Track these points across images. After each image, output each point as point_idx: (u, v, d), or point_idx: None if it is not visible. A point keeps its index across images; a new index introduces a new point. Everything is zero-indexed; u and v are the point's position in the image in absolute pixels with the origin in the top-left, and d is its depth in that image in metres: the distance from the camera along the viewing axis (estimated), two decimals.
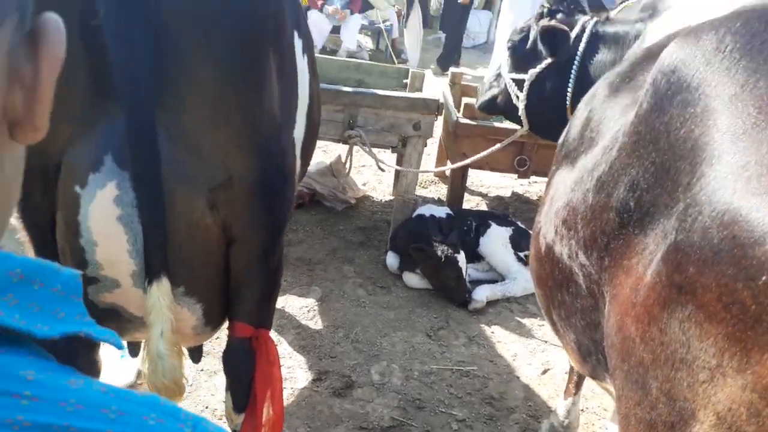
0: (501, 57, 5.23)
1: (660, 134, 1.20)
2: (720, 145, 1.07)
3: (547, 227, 1.52)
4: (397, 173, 4.70)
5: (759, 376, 0.89)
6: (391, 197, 4.91)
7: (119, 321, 1.54)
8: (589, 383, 2.45)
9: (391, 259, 3.72)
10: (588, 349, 1.45)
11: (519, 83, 2.84)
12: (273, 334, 2.96)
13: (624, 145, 1.30)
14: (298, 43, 1.76)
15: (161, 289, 1.38)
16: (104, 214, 1.35)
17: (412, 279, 3.60)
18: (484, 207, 4.88)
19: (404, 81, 4.57)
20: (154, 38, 1.25)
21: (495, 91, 3.07)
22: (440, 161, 5.07)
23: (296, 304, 3.30)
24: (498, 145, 3.13)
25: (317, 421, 2.51)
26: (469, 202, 4.81)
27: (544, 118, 2.84)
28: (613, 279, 1.25)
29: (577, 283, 1.40)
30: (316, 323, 3.22)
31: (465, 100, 4.02)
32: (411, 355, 3.01)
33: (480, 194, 5.18)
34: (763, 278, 0.89)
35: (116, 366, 2.50)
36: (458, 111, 4.07)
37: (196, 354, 2.06)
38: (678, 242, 1.06)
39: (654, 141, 1.22)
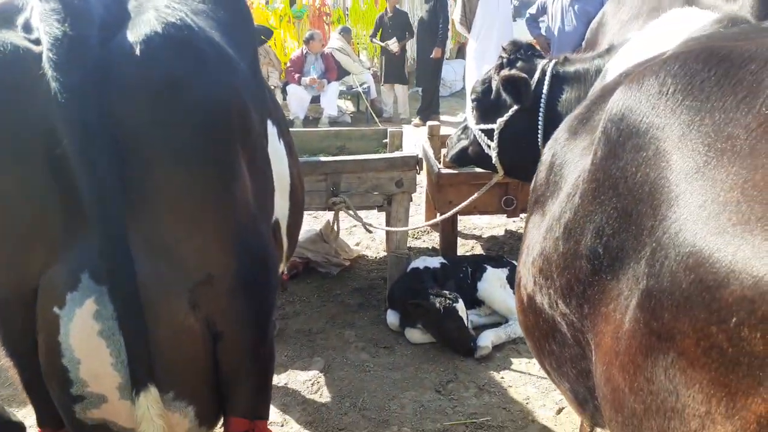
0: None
1: (618, 180, 1.22)
2: (676, 186, 1.08)
3: (526, 277, 1.52)
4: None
5: (746, 422, 0.87)
6: (386, 253, 4.91)
7: None
8: None
9: (391, 317, 3.69)
10: (584, 397, 1.42)
11: (488, 132, 2.89)
12: (277, 414, 2.93)
13: (585, 192, 1.32)
14: (272, 130, 1.79)
15: (149, 398, 1.37)
16: (85, 331, 1.35)
17: (415, 335, 3.56)
18: (479, 250, 4.89)
19: (384, 141, 4.66)
20: (118, 154, 1.28)
21: (464, 143, 3.12)
22: (429, 211, 5.09)
23: (299, 378, 3.25)
24: (477, 194, 3.17)
25: None
26: (464, 247, 4.81)
27: (519, 162, 2.88)
28: (595, 327, 1.24)
29: (562, 332, 1.38)
30: (321, 395, 3.16)
31: (444, 150, 4.08)
32: (422, 415, 2.95)
33: (474, 237, 5.19)
34: (734, 320, 0.89)
35: None
36: (439, 162, 4.13)
37: None
38: (650, 288, 1.06)
39: (613, 187, 1.23)
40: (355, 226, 5.45)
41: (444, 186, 4.02)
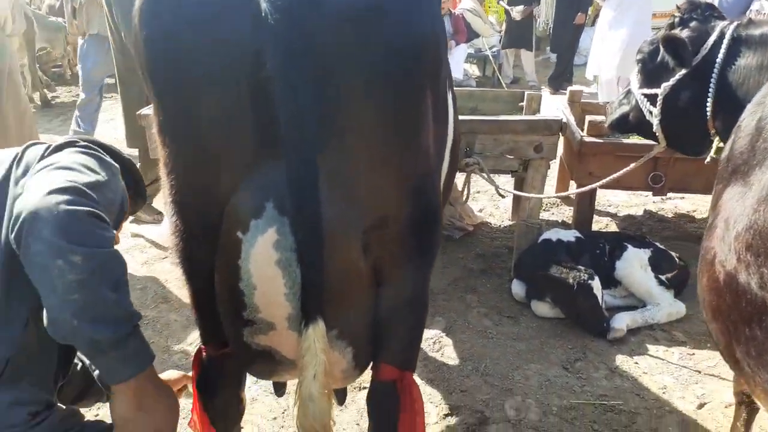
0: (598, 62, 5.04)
1: None
2: None
3: (725, 254, 1.37)
4: (517, 197, 4.58)
5: None
6: (510, 222, 4.78)
7: (271, 363, 1.57)
8: (761, 420, 2.18)
9: (517, 288, 3.58)
10: None
11: (651, 98, 2.66)
12: None
13: None
14: (445, 78, 1.73)
15: (317, 332, 1.38)
16: (264, 259, 1.37)
17: (541, 308, 3.44)
18: (613, 228, 4.61)
19: (520, 104, 4.46)
20: (318, 82, 1.25)
21: (625, 108, 2.89)
22: (561, 182, 4.87)
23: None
24: (634, 165, 2.94)
25: None
26: (597, 224, 4.56)
27: (683, 132, 2.64)
28: None
29: None
30: (442, 355, 3.16)
31: (589, 117, 3.84)
32: (547, 389, 2.86)
33: (608, 214, 4.90)
34: None
35: None
36: (581, 130, 3.89)
37: (341, 395, 2.07)
38: None
39: None
40: (479, 192, 5.35)
41: (586, 155, 3.79)
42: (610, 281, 3.47)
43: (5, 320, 1.38)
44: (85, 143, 1.56)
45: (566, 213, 4.93)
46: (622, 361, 3.07)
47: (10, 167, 1.45)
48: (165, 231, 4.35)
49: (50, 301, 1.24)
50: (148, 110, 3.73)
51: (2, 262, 1.35)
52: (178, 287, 3.85)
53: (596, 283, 3.22)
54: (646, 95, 2.69)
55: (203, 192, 1.42)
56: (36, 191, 1.28)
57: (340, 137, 1.31)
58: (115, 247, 1.38)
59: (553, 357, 3.10)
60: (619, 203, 5.19)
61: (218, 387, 1.79)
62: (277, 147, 1.28)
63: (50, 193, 1.26)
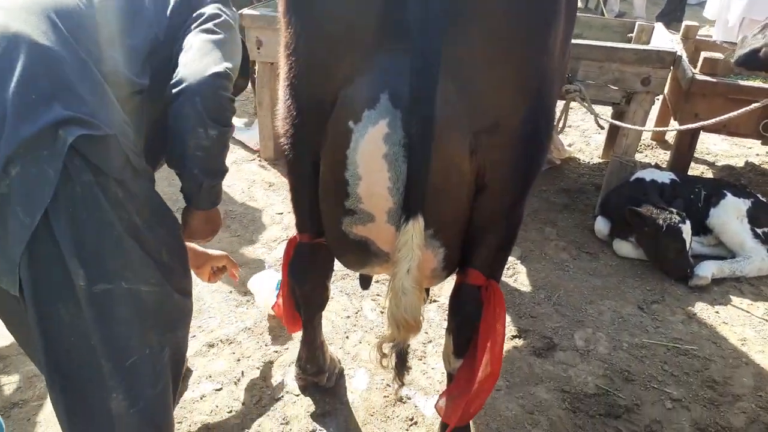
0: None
1: None
2: None
3: None
4: (612, 133, 4.39)
5: None
6: (599, 160, 4.62)
7: (365, 254, 1.63)
8: None
9: (601, 225, 3.51)
10: None
11: None
12: None
13: None
14: None
15: (416, 228, 1.40)
16: (372, 150, 1.39)
17: (624, 247, 3.36)
18: (710, 176, 4.37)
19: (629, 35, 4.19)
20: None
21: (759, 43, 2.65)
22: (660, 123, 4.60)
23: None
24: (752, 106, 2.73)
25: (516, 377, 2.50)
26: (692, 171, 4.33)
27: None
28: None
29: None
30: (515, 281, 3.18)
31: (704, 54, 3.56)
32: (620, 326, 2.84)
33: (705, 163, 4.64)
34: None
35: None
36: (694, 68, 3.63)
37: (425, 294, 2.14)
38: None
39: None
40: (570, 126, 5.16)
41: (694, 95, 3.54)
42: (700, 228, 3.33)
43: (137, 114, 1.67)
44: (231, 13, 1.83)
45: (660, 156, 4.70)
46: (702, 308, 2.99)
47: None
48: (254, 135, 4.50)
49: (177, 148, 1.63)
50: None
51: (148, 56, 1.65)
52: (264, 188, 4.02)
53: (687, 228, 3.10)
54: None
55: (321, 76, 1.44)
56: (201, 65, 1.61)
57: (463, 30, 1.28)
58: None
59: (629, 296, 3.06)
60: (718, 152, 4.88)
61: (308, 274, 1.90)
62: (400, 38, 1.27)
63: (211, 75, 1.60)
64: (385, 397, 2.31)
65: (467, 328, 1.67)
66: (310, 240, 1.83)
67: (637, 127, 3.13)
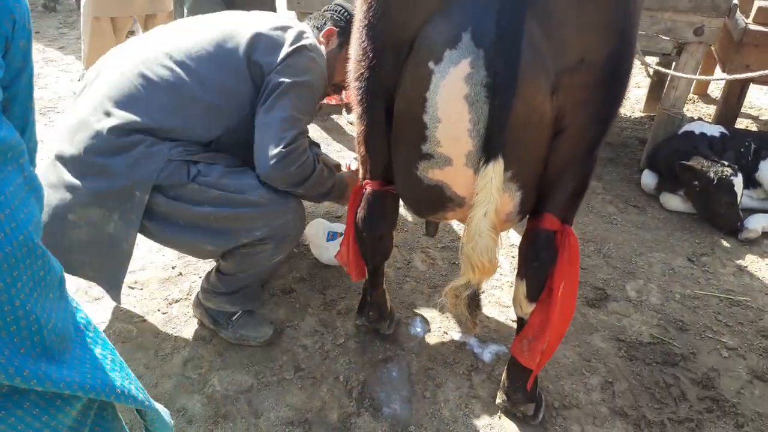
0: None
1: None
2: None
3: None
4: (654, 87, 4.30)
5: None
6: (641, 114, 4.54)
7: (440, 199, 1.63)
8: None
9: (648, 178, 3.47)
10: None
11: None
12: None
13: None
14: None
15: (496, 170, 1.40)
16: (453, 91, 1.38)
17: (672, 201, 3.33)
18: (756, 130, 4.28)
19: None
20: None
21: None
22: (705, 74, 4.49)
23: None
24: None
25: (571, 326, 2.51)
26: (738, 125, 4.24)
27: None
28: None
29: None
30: None
31: (759, 3, 3.44)
32: (671, 278, 2.84)
33: (749, 117, 4.54)
34: None
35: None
36: (746, 17, 3.51)
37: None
38: None
39: None
40: None
41: (746, 45, 3.45)
42: (750, 181, 3.28)
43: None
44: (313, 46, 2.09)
45: (703, 110, 4.60)
46: (753, 261, 2.98)
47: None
48: None
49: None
50: None
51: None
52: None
53: (738, 180, 3.06)
54: None
55: (401, 14, 1.42)
56: (261, 153, 1.95)
57: None
58: None
59: (678, 248, 3.06)
60: (762, 106, 4.77)
61: (378, 222, 1.91)
62: None
63: (272, 165, 1.94)
64: (444, 343, 2.36)
65: (543, 273, 1.68)
66: (381, 187, 1.84)
67: (690, 76, 3.06)
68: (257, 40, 1.98)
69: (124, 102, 1.87)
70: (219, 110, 1.96)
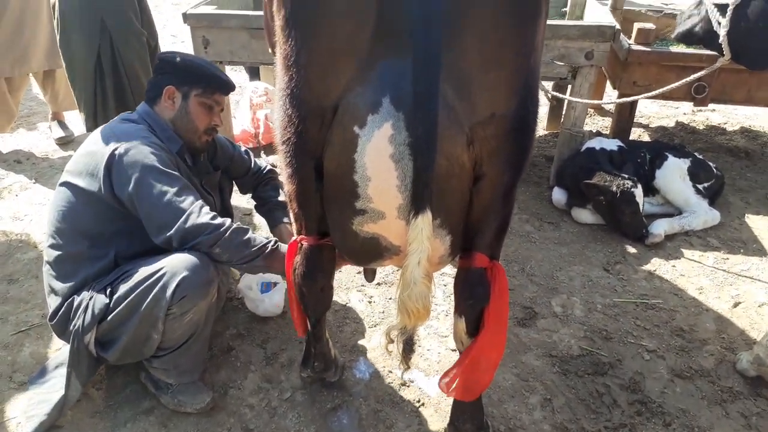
0: None
1: None
2: None
3: None
4: (557, 106, 4.59)
5: None
6: (545, 132, 4.82)
7: (376, 249, 1.69)
8: None
9: (558, 195, 3.70)
10: None
11: (722, 9, 2.64)
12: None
13: None
14: None
15: (425, 221, 1.47)
16: (379, 152, 1.46)
17: (583, 214, 3.57)
18: (646, 139, 4.66)
19: (563, 10, 4.38)
20: None
21: (695, 19, 2.87)
22: (597, 92, 4.85)
23: None
24: (696, 75, 2.93)
25: (507, 348, 2.62)
26: (631, 135, 4.61)
27: (751, 45, 2.64)
28: None
29: None
30: None
31: (638, 25, 3.78)
32: (590, 289, 3.04)
33: (640, 126, 4.94)
34: None
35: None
36: (628, 38, 3.85)
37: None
38: None
39: None
40: None
41: (631, 65, 3.77)
42: (649, 189, 3.57)
43: None
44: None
45: (599, 123, 4.96)
46: (660, 264, 3.24)
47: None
48: None
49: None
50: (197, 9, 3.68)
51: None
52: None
53: (639, 191, 3.32)
54: (717, 5, 2.67)
55: (323, 86, 1.48)
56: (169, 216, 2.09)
57: (458, 32, 1.36)
58: None
59: (594, 260, 3.27)
60: (650, 114, 5.20)
61: (317, 275, 1.93)
62: (395, 45, 1.34)
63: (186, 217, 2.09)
64: (389, 383, 2.39)
65: (479, 309, 1.77)
66: (316, 242, 1.87)
67: (584, 101, 3.31)
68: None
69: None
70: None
